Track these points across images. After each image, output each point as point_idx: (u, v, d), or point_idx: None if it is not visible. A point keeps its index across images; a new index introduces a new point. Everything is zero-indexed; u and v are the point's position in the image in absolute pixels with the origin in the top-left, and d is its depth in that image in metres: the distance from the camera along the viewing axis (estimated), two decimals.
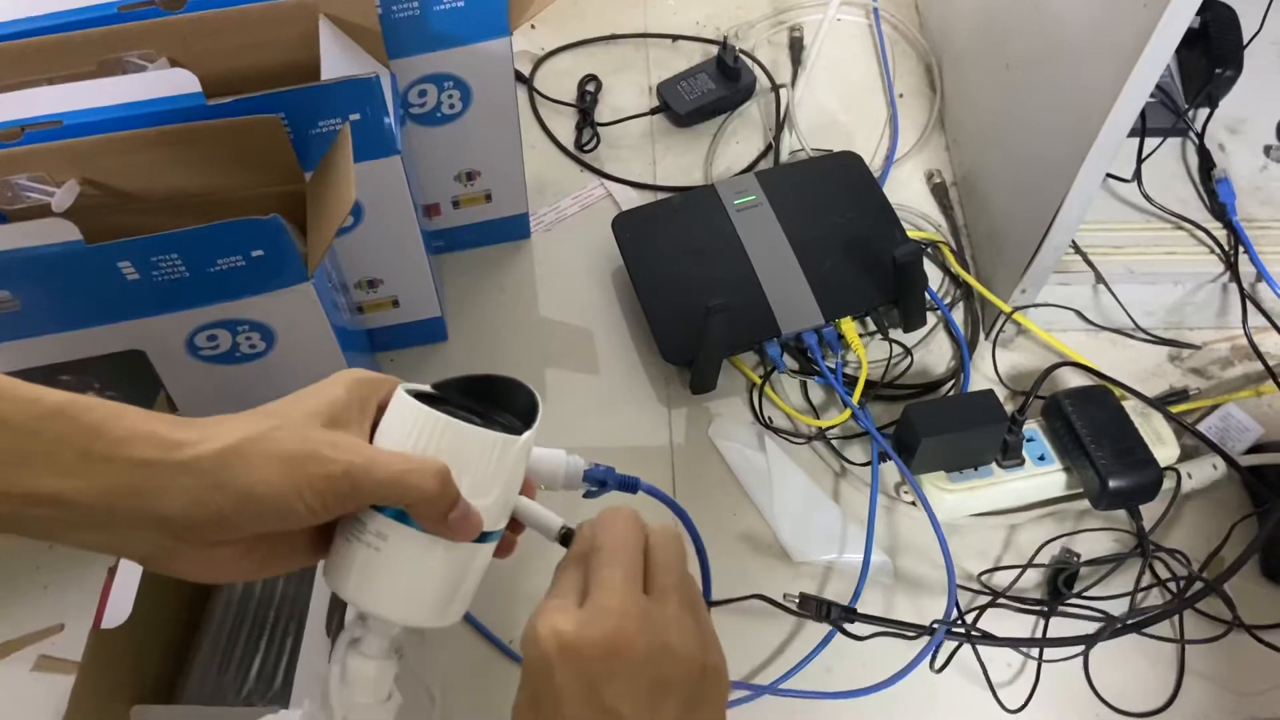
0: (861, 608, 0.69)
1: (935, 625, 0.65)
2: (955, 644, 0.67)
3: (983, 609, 0.69)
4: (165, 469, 0.38)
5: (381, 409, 0.44)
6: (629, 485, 0.53)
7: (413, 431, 0.41)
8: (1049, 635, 0.69)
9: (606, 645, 0.40)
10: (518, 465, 0.44)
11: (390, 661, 0.45)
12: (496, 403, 0.45)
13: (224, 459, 0.38)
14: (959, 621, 0.67)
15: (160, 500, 0.38)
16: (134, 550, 0.40)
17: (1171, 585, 0.70)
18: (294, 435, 0.40)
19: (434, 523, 0.41)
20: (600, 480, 0.52)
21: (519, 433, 0.43)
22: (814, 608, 0.65)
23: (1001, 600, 0.69)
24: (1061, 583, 0.70)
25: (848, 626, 0.65)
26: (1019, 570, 0.70)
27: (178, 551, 0.39)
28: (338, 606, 0.58)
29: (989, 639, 0.66)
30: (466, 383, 0.45)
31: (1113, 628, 0.66)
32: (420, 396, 0.43)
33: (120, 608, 0.55)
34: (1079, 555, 0.71)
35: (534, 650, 0.40)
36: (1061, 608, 0.69)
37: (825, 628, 0.67)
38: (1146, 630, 0.67)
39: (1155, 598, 0.71)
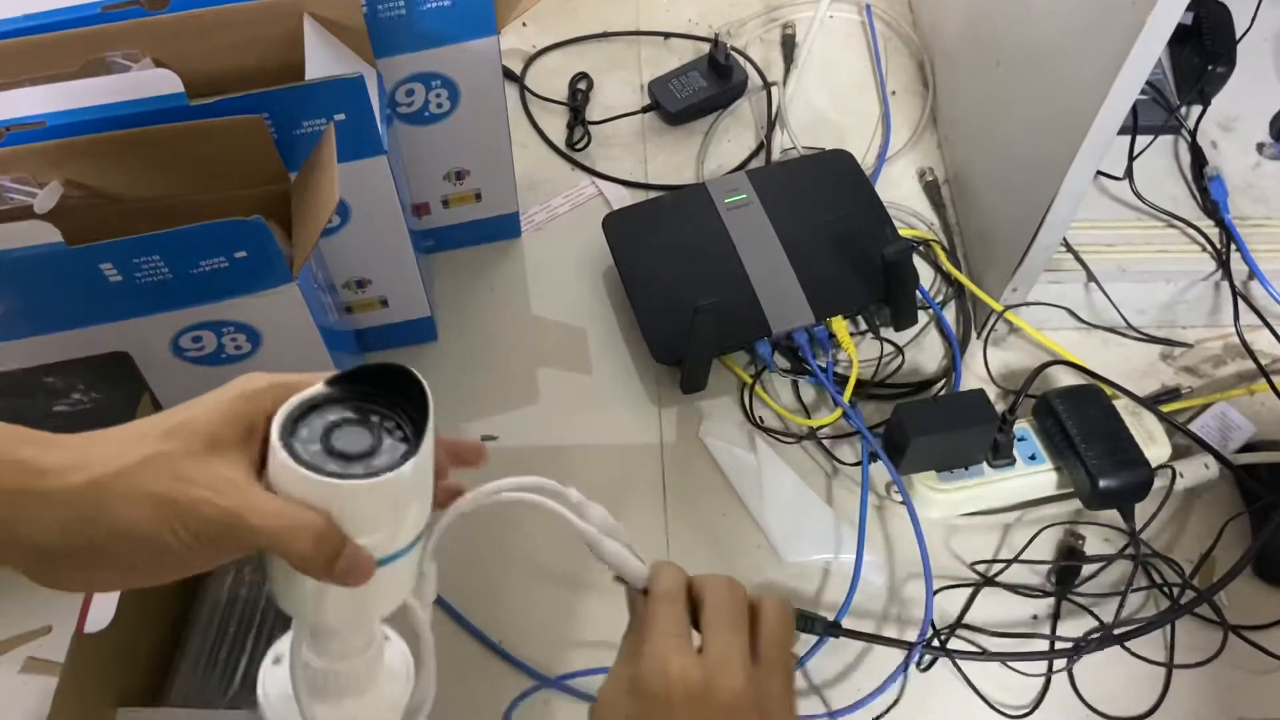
0: (852, 611, 0.69)
1: (914, 643, 0.66)
2: (937, 656, 0.67)
3: (972, 596, 0.69)
4: (32, 499, 0.36)
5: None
6: None
7: (289, 481, 0.37)
8: (1040, 630, 0.69)
9: (728, 708, 0.40)
10: (412, 489, 0.39)
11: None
12: (397, 389, 0.40)
13: (92, 493, 0.36)
14: (937, 638, 0.67)
15: (30, 528, 0.36)
16: (11, 564, 0.38)
17: (1164, 589, 0.70)
18: (168, 471, 0.37)
19: (319, 575, 0.38)
20: None
21: (412, 445, 0.39)
22: (801, 622, 0.66)
23: (1000, 589, 0.70)
24: (1059, 571, 0.70)
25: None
26: (1018, 554, 0.71)
27: (54, 572, 0.38)
28: None
29: (967, 655, 0.67)
30: (361, 374, 0.40)
31: (1100, 639, 0.66)
32: (310, 406, 0.39)
33: (103, 612, 0.54)
34: (1084, 538, 0.71)
35: (658, 683, 0.40)
36: (1055, 600, 0.69)
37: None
38: (1137, 636, 0.67)
39: (1145, 595, 0.71)
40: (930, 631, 0.67)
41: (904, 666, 0.66)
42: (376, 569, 0.39)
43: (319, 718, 0.43)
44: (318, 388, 0.39)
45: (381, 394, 0.40)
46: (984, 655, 0.67)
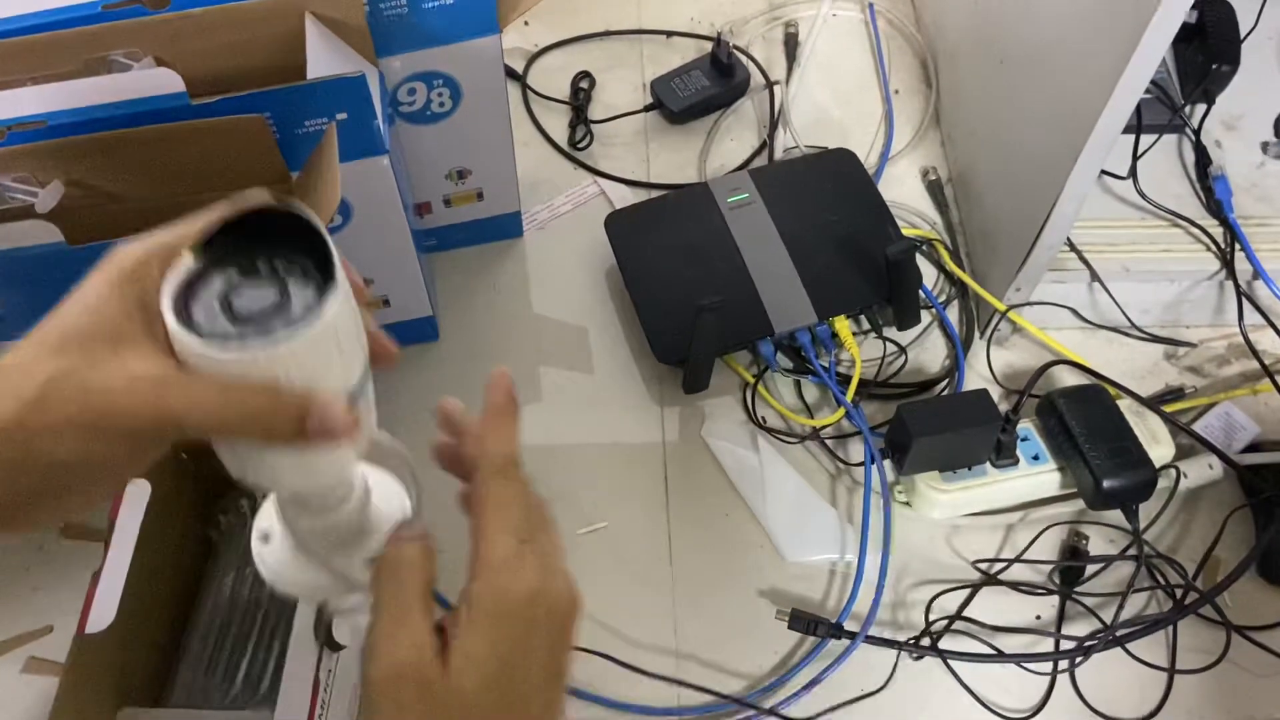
0: (855, 612, 0.69)
1: (909, 641, 0.67)
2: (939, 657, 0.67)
3: (972, 594, 0.69)
4: None
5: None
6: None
7: (214, 364, 0.33)
8: (1040, 629, 0.68)
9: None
10: (347, 321, 0.35)
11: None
12: (276, 229, 0.35)
13: (11, 439, 0.32)
14: (935, 640, 0.67)
15: None
16: None
17: (1167, 590, 0.70)
18: (78, 388, 0.32)
19: (294, 444, 0.34)
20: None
21: (321, 278, 0.34)
22: (803, 624, 0.67)
23: (1003, 588, 0.70)
24: (1062, 571, 0.70)
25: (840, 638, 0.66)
26: (1020, 553, 0.71)
27: (10, 523, 0.35)
28: (324, 607, 0.58)
29: (969, 656, 0.67)
30: (234, 225, 0.35)
31: (1102, 641, 0.66)
32: (194, 279, 0.34)
33: (104, 612, 0.54)
34: (1087, 539, 0.71)
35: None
36: (1060, 600, 0.69)
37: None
38: (1140, 637, 0.67)
39: (1147, 595, 0.70)
40: (925, 632, 0.67)
41: (895, 666, 0.66)
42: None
43: (340, 567, 0.42)
44: (189, 260, 0.34)
45: (262, 238, 0.35)
46: (987, 657, 0.67)
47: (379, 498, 0.44)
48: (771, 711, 0.66)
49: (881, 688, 0.67)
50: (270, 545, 0.43)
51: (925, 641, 0.67)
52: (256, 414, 0.33)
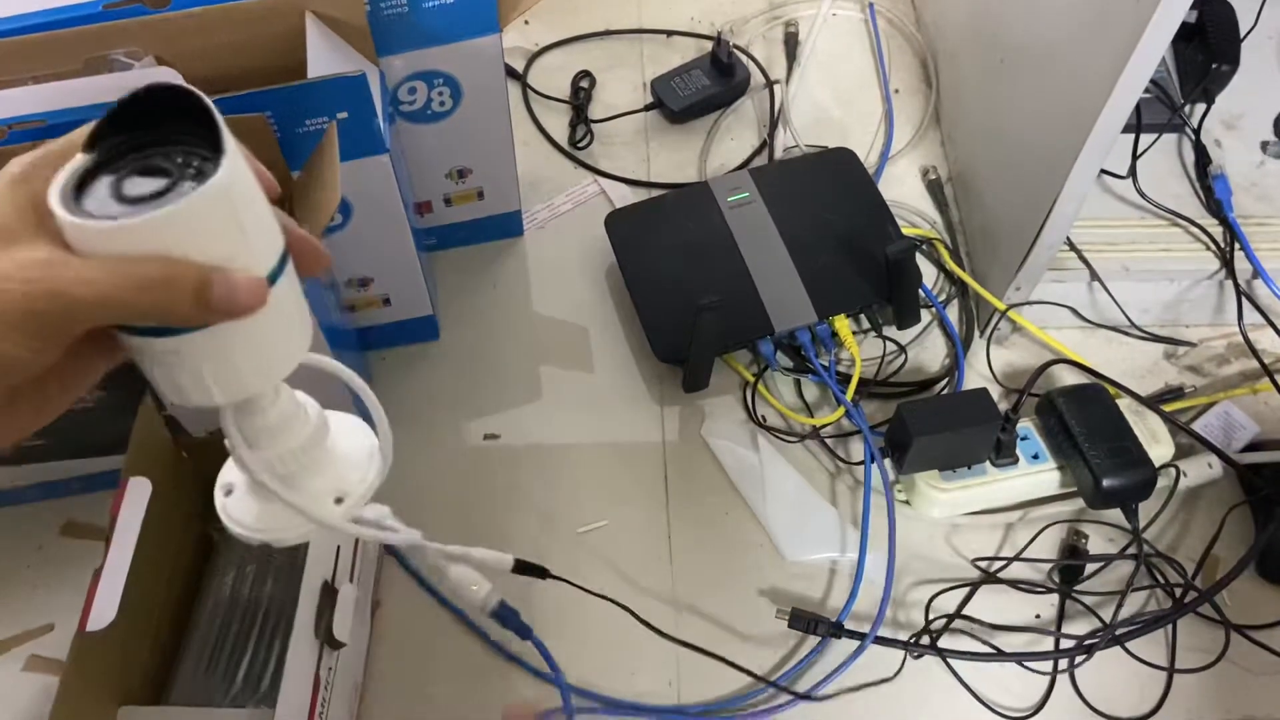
0: (855, 611, 0.69)
1: (910, 640, 0.67)
2: (936, 655, 0.67)
3: (971, 592, 0.69)
4: None
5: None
6: (523, 632, 0.53)
7: (102, 241, 0.32)
8: (1040, 627, 0.69)
9: None
10: (243, 193, 0.34)
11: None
12: (180, 129, 0.34)
13: None
14: (934, 639, 0.67)
15: None
16: None
17: (1167, 589, 0.70)
18: None
19: (198, 315, 0.33)
20: (503, 617, 0.52)
21: (213, 162, 0.33)
22: (803, 623, 0.67)
23: (1003, 586, 0.70)
24: (1062, 570, 0.70)
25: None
26: (1019, 551, 0.71)
27: None
28: (325, 605, 0.58)
29: (969, 655, 0.67)
30: (125, 115, 0.34)
31: (1101, 640, 0.66)
32: (86, 174, 0.33)
33: (105, 610, 0.54)
34: (1087, 537, 0.71)
35: None
36: (1060, 599, 0.69)
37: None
38: (1139, 636, 0.67)
39: (1147, 593, 0.70)
40: (924, 630, 0.67)
41: (901, 666, 0.66)
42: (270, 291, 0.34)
43: (301, 503, 0.40)
44: (81, 156, 0.33)
45: (159, 132, 0.34)
46: (987, 656, 0.67)
47: (341, 431, 0.43)
48: (787, 689, 0.66)
49: (882, 685, 0.67)
50: (233, 497, 0.42)
51: (925, 640, 0.67)
52: (149, 285, 0.32)
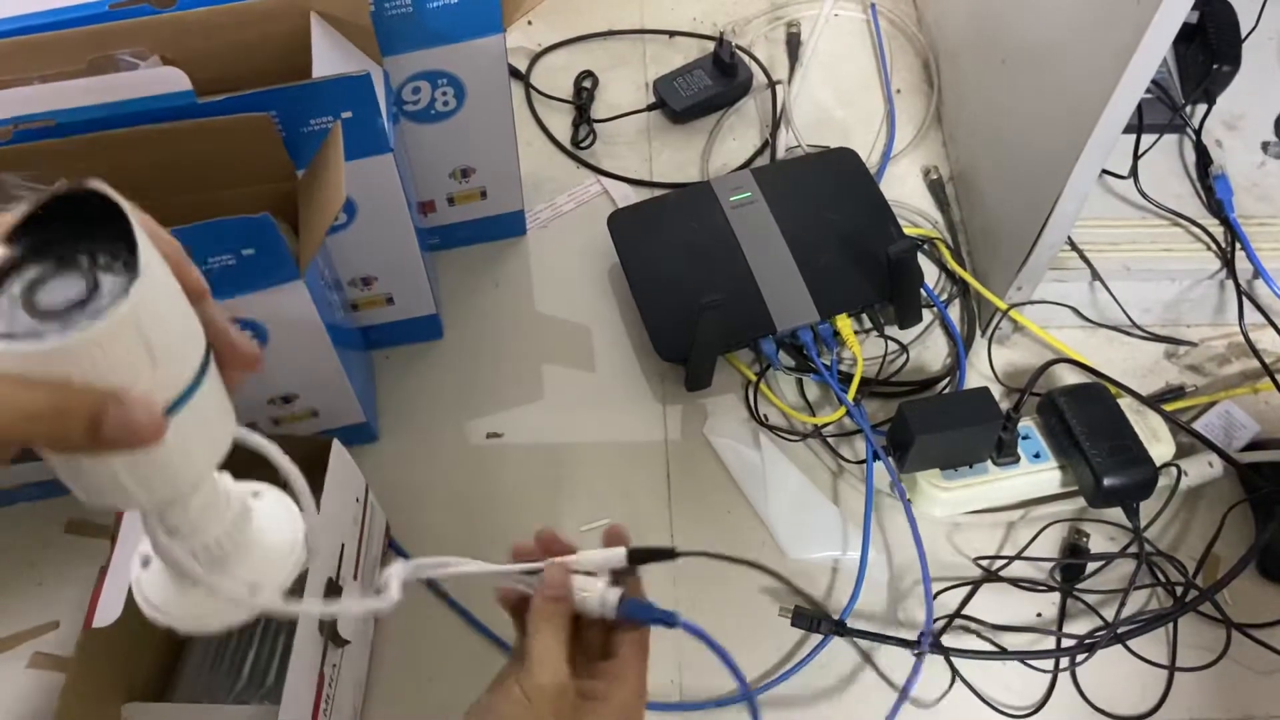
0: (858, 608, 0.69)
1: (918, 638, 0.67)
2: (940, 653, 0.68)
3: (972, 591, 0.69)
4: None
5: None
6: (668, 623, 0.48)
7: (3, 361, 0.30)
8: (1042, 626, 0.69)
9: None
10: (158, 315, 0.32)
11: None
12: (95, 220, 0.32)
13: None
14: (934, 637, 0.67)
15: None
16: None
17: (1168, 587, 0.70)
18: None
19: (88, 450, 0.32)
20: (637, 615, 0.48)
21: (125, 276, 0.31)
22: (806, 621, 0.67)
23: (1004, 585, 0.70)
24: (1063, 569, 0.71)
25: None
26: (1021, 550, 0.71)
27: None
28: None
29: (967, 653, 0.67)
30: (46, 215, 0.32)
31: (1103, 639, 0.66)
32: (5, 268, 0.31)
33: (112, 606, 0.55)
34: (1088, 536, 0.72)
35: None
36: (1061, 597, 0.69)
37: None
38: (1140, 634, 0.67)
39: (1148, 592, 0.71)
40: (930, 631, 0.67)
41: (915, 671, 0.66)
42: (169, 416, 0.32)
43: (218, 585, 0.38)
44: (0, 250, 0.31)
45: (85, 229, 0.32)
46: (989, 654, 0.67)
47: (265, 515, 0.41)
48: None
49: (885, 683, 0.67)
50: (149, 570, 0.40)
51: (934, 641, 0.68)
52: (39, 415, 0.30)
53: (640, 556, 0.48)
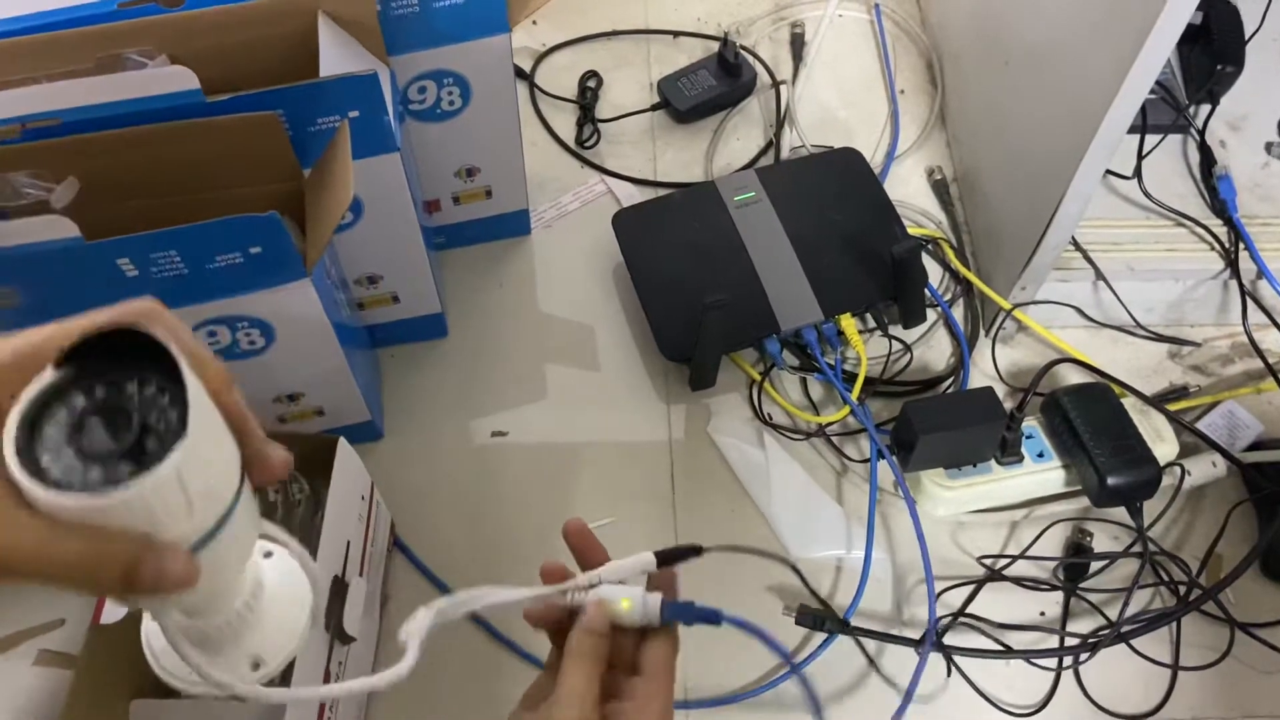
0: (862, 606, 0.69)
1: (921, 637, 0.67)
2: (944, 649, 0.68)
3: (976, 589, 0.69)
4: None
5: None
6: (712, 620, 0.48)
7: (47, 505, 0.30)
8: (1045, 625, 0.69)
9: None
10: (198, 467, 0.32)
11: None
12: (141, 349, 0.32)
13: None
14: (940, 636, 0.68)
15: None
16: None
17: (1171, 586, 0.70)
18: None
19: (122, 599, 0.33)
20: (680, 616, 0.47)
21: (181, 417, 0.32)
22: (810, 620, 0.67)
23: (1007, 584, 0.70)
24: (1067, 568, 0.71)
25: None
26: (1025, 549, 0.71)
27: None
28: (336, 599, 0.58)
29: (970, 652, 0.67)
30: (94, 343, 0.32)
31: (1106, 638, 0.67)
32: (47, 399, 0.32)
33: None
34: (1091, 535, 0.72)
35: None
36: (1065, 596, 0.70)
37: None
38: (1144, 634, 0.67)
39: (1151, 592, 0.71)
40: (933, 630, 0.67)
41: (919, 670, 0.66)
42: (200, 555, 0.33)
43: (214, 673, 0.38)
44: (48, 376, 0.31)
45: (128, 355, 0.32)
46: (992, 653, 0.68)
47: (276, 587, 0.41)
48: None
49: (888, 681, 0.67)
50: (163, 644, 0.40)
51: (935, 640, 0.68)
52: (75, 564, 0.31)
53: (667, 558, 0.48)
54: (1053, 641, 0.68)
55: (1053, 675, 0.68)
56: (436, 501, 0.75)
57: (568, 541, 0.49)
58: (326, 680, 0.55)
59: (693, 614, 0.47)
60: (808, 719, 0.66)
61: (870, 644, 0.69)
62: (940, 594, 0.70)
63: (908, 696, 0.65)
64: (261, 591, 0.40)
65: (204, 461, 0.32)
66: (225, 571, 0.36)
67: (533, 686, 0.48)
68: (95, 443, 0.31)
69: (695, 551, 0.48)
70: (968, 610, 0.69)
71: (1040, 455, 0.72)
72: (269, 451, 0.36)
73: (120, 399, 0.32)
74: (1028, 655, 0.68)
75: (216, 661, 0.38)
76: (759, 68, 0.97)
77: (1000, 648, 0.68)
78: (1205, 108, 0.86)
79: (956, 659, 0.68)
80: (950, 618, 0.69)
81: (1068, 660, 0.68)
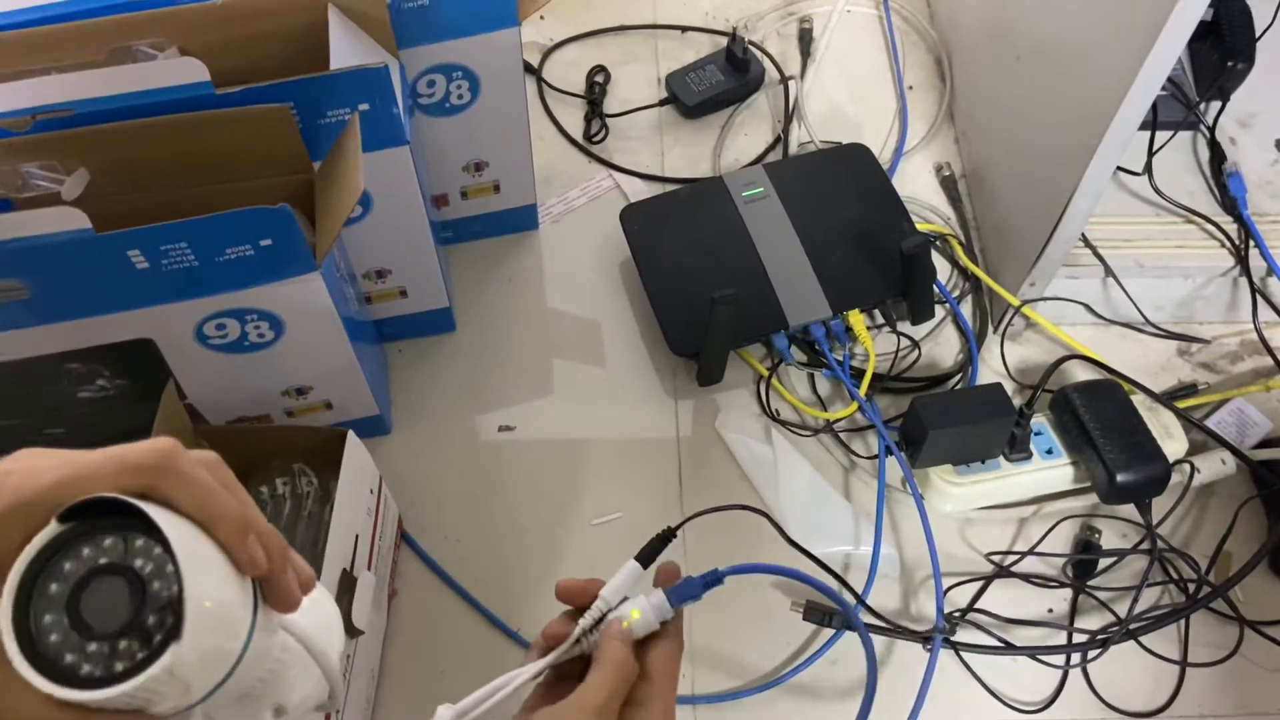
0: (869, 602, 0.69)
1: (929, 632, 0.67)
2: (952, 645, 0.68)
3: (984, 586, 0.69)
4: None
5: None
6: (715, 582, 0.48)
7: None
8: (1054, 622, 0.69)
9: None
10: (194, 658, 0.32)
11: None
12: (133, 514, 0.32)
13: None
14: (948, 630, 0.67)
15: None
16: None
17: (1179, 584, 0.70)
18: None
19: None
20: (687, 596, 0.47)
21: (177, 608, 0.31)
22: (817, 616, 0.67)
23: (1016, 580, 0.70)
24: (1075, 565, 0.71)
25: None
26: (1033, 546, 0.71)
27: None
28: (344, 593, 0.58)
29: (978, 648, 0.67)
30: (93, 507, 0.32)
31: (1115, 635, 0.66)
32: (46, 557, 0.31)
33: None
34: (1100, 533, 0.72)
35: None
36: (1073, 593, 0.69)
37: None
38: (1152, 631, 0.67)
39: (1160, 589, 0.71)
40: (942, 624, 0.67)
41: (930, 668, 0.66)
42: (217, 692, 0.33)
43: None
44: (46, 534, 0.31)
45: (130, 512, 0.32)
46: (1000, 650, 0.67)
47: (300, 638, 0.39)
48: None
49: (896, 677, 0.67)
50: None
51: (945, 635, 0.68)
52: None
53: (648, 556, 0.48)
54: (1061, 638, 0.68)
55: (1061, 672, 0.68)
56: (444, 496, 0.75)
57: (563, 600, 0.48)
58: None
59: (697, 587, 0.47)
60: (813, 713, 0.67)
61: (879, 641, 0.69)
62: (948, 590, 0.70)
63: (921, 692, 0.65)
64: (287, 652, 0.39)
65: (203, 650, 0.32)
66: (242, 685, 0.36)
67: (533, 697, 0.47)
68: (96, 615, 0.31)
69: (668, 537, 0.49)
70: (977, 606, 0.69)
71: (1049, 452, 0.72)
72: (290, 586, 0.36)
73: (121, 556, 0.32)
74: (1035, 652, 0.67)
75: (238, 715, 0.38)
76: (767, 63, 0.97)
77: (1008, 644, 0.68)
78: (1216, 104, 0.86)
79: (965, 655, 0.68)
80: (959, 614, 0.69)
81: (1076, 657, 0.68)
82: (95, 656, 0.31)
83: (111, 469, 0.32)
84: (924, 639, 0.67)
